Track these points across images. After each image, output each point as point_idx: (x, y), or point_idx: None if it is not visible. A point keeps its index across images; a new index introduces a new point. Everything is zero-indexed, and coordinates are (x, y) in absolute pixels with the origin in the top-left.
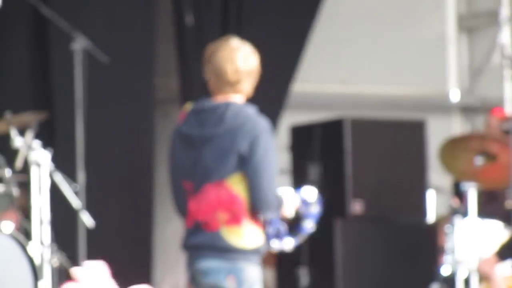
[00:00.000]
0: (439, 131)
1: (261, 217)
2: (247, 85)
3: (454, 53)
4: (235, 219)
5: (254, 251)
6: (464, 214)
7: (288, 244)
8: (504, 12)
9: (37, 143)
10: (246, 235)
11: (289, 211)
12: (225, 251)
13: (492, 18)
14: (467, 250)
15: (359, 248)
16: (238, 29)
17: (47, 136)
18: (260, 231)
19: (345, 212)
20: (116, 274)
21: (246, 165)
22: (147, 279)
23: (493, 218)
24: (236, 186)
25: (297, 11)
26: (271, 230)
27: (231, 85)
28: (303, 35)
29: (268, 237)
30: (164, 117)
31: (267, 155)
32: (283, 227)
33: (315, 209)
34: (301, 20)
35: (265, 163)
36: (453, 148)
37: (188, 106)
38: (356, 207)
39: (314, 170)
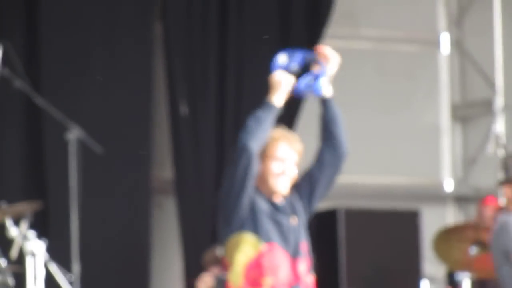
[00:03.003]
0: (433, 221)
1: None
2: None
3: (448, 142)
4: None
5: None
6: None
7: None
8: (498, 101)
9: (32, 233)
10: None
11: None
12: None
13: (486, 108)
14: None
15: None
16: (235, 119)
17: (42, 226)
18: None
19: None
20: None
21: None
22: None
23: None
24: None
25: None
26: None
27: None
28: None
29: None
30: (159, 207)
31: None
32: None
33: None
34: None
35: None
36: (448, 237)
37: None
38: None
39: None
